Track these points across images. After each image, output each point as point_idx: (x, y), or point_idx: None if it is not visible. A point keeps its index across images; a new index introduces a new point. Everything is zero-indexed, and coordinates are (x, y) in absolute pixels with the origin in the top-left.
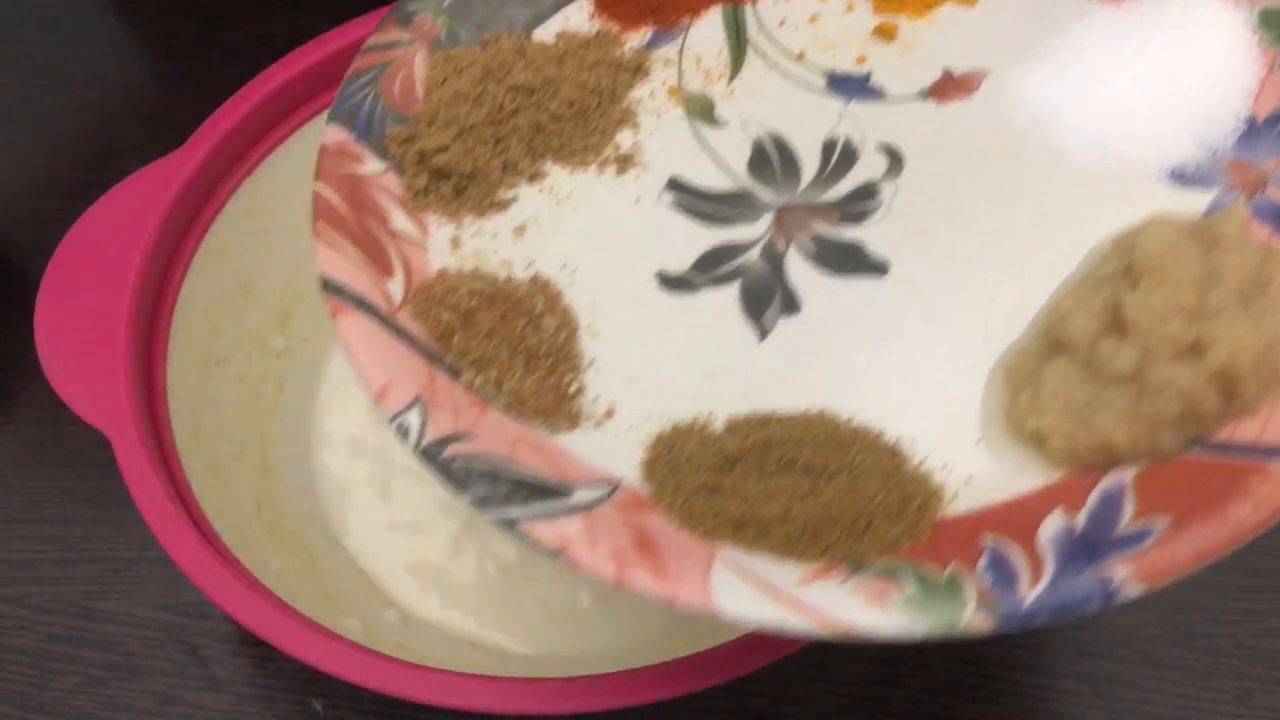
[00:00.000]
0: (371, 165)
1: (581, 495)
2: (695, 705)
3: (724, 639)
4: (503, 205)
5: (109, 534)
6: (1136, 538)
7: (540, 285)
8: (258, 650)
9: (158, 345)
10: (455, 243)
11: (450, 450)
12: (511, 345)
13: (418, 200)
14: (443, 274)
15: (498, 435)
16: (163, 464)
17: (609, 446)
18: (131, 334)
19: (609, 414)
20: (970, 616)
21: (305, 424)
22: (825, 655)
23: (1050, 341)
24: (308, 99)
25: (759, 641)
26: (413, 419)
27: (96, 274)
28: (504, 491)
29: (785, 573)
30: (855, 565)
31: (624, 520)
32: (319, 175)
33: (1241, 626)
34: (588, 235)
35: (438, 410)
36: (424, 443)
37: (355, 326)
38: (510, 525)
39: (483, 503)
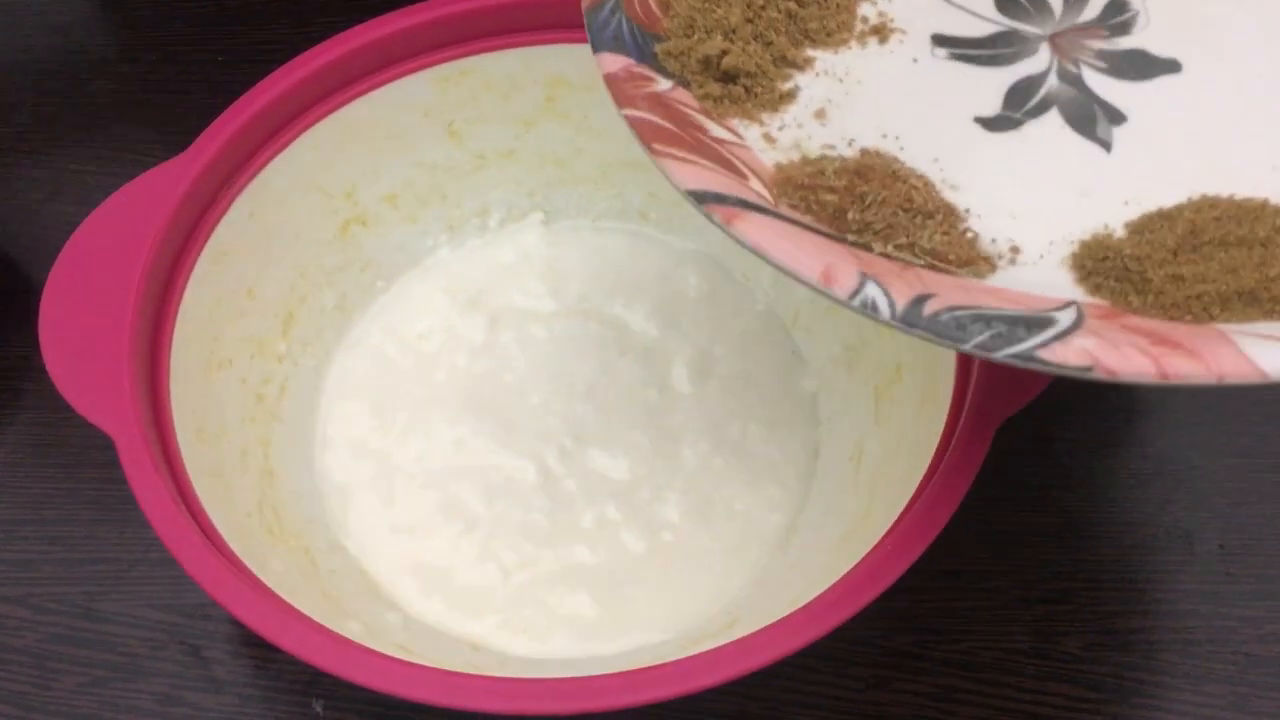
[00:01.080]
0: (661, 84)
1: (1063, 318)
2: (693, 706)
3: (722, 641)
4: (790, 96)
5: (112, 535)
6: None
7: (876, 155)
8: (259, 651)
9: (161, 347)
10: (768, 139)
11: (928, 308)
12: (904, 208)
13: (717, 107)
14: (780, 167)
15: (950, 288)
16: (166, 465)
17: (1036, 277)
18: (135, 336)
19: (1015, 250)
20: None
21: (307, 427)
22: (823, 659)
23: None
24: (311, 105)
25: (756, 643)
26: (873, 292)
27: (101, 276)
28: (1003, 330)
29: None
30: None
31: (1118, 326)
32: (623, 103)
33: (1239, 632)
34: (888, 102)
35: (887, 279)
36: (899, 310)
37: (758, 225)
38: (1028, 357)
39: (988, 345)
